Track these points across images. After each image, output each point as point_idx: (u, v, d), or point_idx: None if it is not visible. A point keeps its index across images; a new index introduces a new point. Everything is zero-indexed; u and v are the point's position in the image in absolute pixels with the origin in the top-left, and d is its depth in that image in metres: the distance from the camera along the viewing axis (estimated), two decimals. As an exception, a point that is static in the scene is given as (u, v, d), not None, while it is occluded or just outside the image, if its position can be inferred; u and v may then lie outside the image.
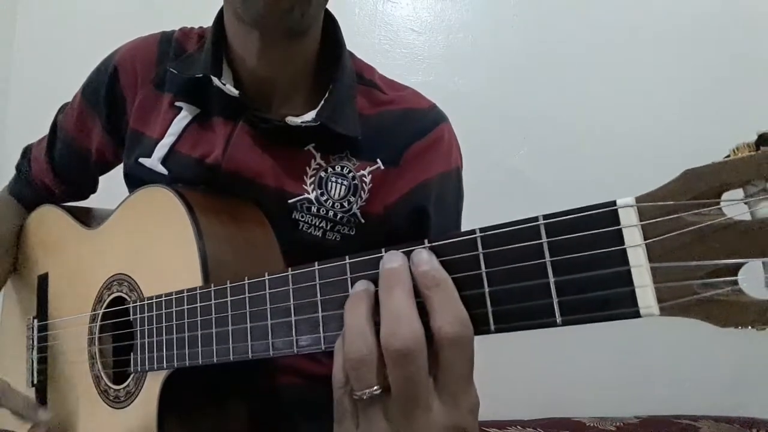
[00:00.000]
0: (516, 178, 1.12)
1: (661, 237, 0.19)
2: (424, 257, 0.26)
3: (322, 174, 0.51)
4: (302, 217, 0.51)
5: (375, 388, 0.25)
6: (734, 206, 0.18)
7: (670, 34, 1.13)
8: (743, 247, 0.18)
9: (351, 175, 0.51)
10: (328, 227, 0.51)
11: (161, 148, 0.53)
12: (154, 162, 0.53)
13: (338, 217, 0.51)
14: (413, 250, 0.26)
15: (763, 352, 0.96)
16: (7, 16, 1.24)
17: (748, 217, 0.18)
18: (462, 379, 0.25)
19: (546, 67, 1.14)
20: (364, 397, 0.25)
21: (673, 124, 1.10)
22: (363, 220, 0.52)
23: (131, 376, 0.47)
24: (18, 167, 0.69)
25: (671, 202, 0.19)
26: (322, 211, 0.51)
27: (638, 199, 0.20)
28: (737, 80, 1.10)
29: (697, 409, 0.94)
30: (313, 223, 0.51)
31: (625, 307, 0.20)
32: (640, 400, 0.98)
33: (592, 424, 0.87)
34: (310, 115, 0.50)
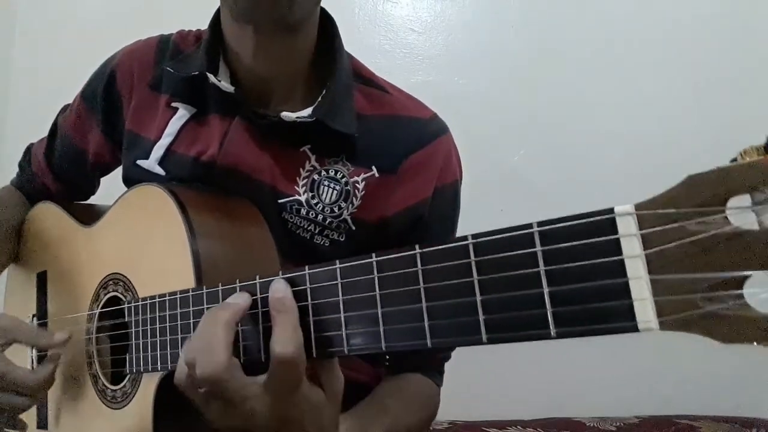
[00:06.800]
0: (515, 179, 1.11)
1: (662, 247, 0.18)
2: (279, 287, 0.31)
3: (315, 177, 0.50)
4: (291, 218, 0.50)
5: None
6: (741, 214, 0.17)
7: (672, 34, 1.11)
8: (750, 258, 0.17)
9: (344, 180, 0.50)
10: (317, 231, 0.51)
11: (158, 149, 0.53)
12: (151, 163, 0.53)
13: (327, 221, 0.50)
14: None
15: (764, 352, 0.95)
16: (7, 16, 1.24)
17: (755, 226, 0.17)
18: (286, 385, 0.31)
19: (546, 68, 1.13)
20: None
21: (673, 126, 1.09)
22: (354, 227, 0.51)
23: (128, 376, 0.46)
24: (20, 165, 0.69)
25: (673, 210, 0.18)
26: (311, 214, 0.50)
27: (638, 207, 0.19)
28: (738, 81, 1.08)
29: (697, 409, 0.94)
30: (301, 225, 0.51)
31: (623, 320, 0.19)
32: (640, 400, 0.98)
33: (592, 424, 0.87)
34: (306, 111, 0.49)
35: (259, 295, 0.33)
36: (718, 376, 0.98)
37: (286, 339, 0.30)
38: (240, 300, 0.33)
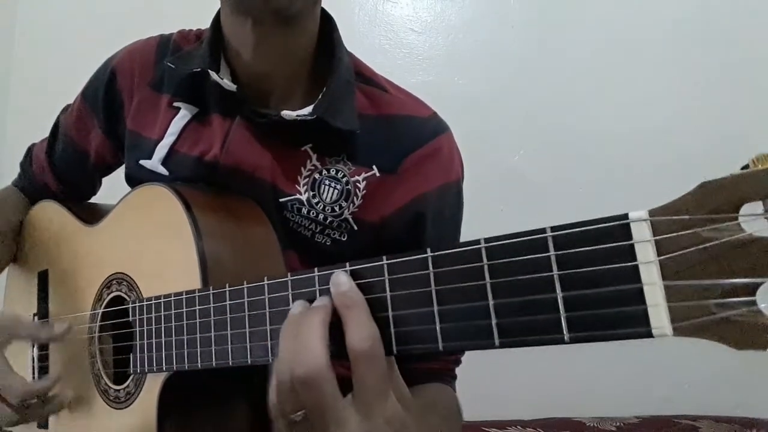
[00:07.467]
0: (515, 179, 1.11)
1: (676, 253, 0.18)
2: (343, 280, 0.29)
3: (317, 176, 0.50)
4: (292, 216, 0.51)
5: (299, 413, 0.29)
6: (753, 221, 0.17)
7: (672, 34, 1.11)
8: (762, 265, 0.17)
9: (345, 179, 0.50)
10: (317, 230, 0.51)
11: (161, 149, 0.53)
12: (154, 163, 0.53)
13: (328, 221, 0.50)
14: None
15: (764, 352, 0.95)
16: (7, 16, 1.24)
17: None
18: (374, 391, 0.28)
19: (546, 67, 1.13)
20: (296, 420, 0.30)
21: (673, 126, 1.09)
22: (356, 227, 0.51)
23: (131, 376, 0.46)
24: (21, 165, 0.69)
25: (687, 217, 0.18)
26: (312, 213, 0.50)
27: (651, 213, 0.19)
28: (738, 81, 1.08)
29: (697, 409, 0.94)
30: (302, 224, 0.51)
31: (637, 326, 0.19)
32: (640, 400, 0.98)
33: (592, 424, 0.87)
34: (306, 110, 0.49)
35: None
36: (718, 376, 0.98)
37: (362, 333, 0.27)
38: (326, 302, 0.30)
